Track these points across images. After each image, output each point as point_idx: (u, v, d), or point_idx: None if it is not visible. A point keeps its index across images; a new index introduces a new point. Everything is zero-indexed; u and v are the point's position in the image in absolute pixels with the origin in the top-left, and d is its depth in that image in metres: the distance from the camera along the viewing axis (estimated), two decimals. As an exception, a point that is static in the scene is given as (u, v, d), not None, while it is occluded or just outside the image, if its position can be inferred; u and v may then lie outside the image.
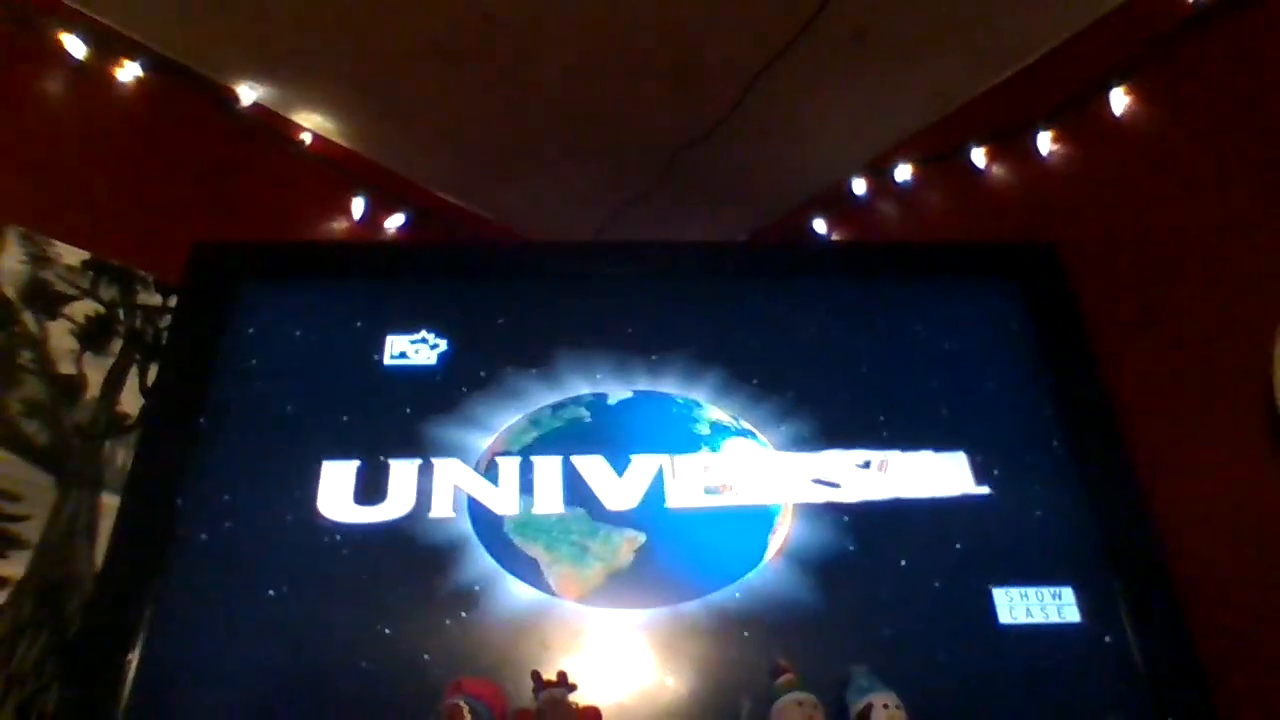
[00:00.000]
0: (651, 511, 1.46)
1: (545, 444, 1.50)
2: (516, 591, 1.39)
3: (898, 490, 1.52)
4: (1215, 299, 1.57)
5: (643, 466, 1.50)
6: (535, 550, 1.39)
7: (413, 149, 2.30)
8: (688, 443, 1.54)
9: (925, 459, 1.55)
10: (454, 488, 1.47)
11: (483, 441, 1.51)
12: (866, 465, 1.52)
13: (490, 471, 1.48)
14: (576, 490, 1.47)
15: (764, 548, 1.44)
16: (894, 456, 1.54)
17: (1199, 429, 1.55)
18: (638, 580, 1.39)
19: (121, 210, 1.80)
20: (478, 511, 1.45)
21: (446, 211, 2.44)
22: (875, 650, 1.36)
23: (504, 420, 1.53)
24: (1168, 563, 1.46)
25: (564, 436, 1.50)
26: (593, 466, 1.49)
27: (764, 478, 1.51)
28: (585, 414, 1.52)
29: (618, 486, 1.48)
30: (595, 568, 1.38)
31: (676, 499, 1.48)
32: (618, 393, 1.57)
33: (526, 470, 1.48)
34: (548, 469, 1.48)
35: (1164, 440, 1.58)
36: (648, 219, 2.47)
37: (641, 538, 1.42)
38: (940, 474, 1.54)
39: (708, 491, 1.46)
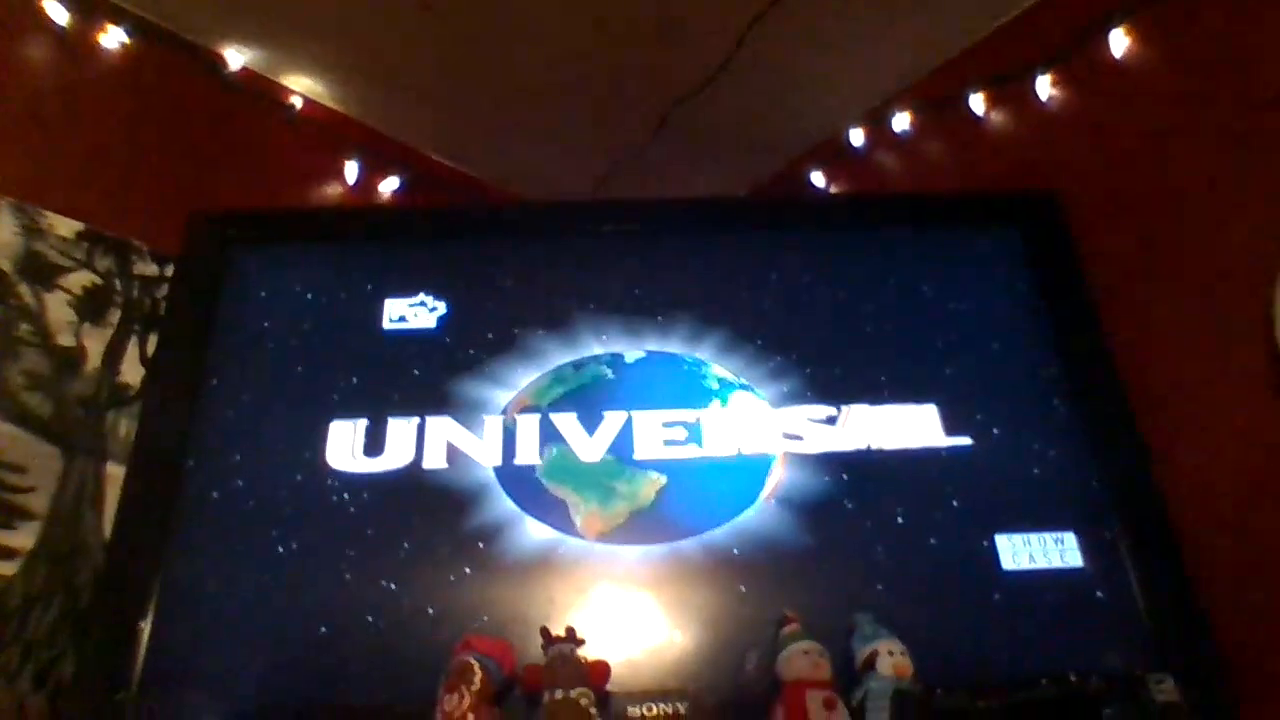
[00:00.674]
0: (672, 457, 1.50)
1: (571, 399, 1.55)
2: (524, 547, 1.41)
3: (900, 440, 1.53)
4: (1217, 243, 1.56)
5: (658, 419, 1.54)
6: (564, 492, 1.45)
7: (405, 111, 2.27)
8: (702, 397, 1.56)
9: (926, 409, 1.55)
10: (471, 441, 1.51)
11: (496, 397, 1.54)
12: (831, 421, 1.54)
13: (516, 425, 1.52)
14: (605, 439, 1.51)
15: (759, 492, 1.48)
16: (894, 408, 1.55)
17: (1200, 374, 1.55)
18: (655, 519, 1.44)
19: (113, 180, 1.78)
20: (504, 458, 1.49)
21: (441, 173, 2.42)
22: (879, 597, 1.38)
23: (510, 378, 1.56)
24: (1169, 508, 1.47)
25: (589, 392, 1.55)
26: (616, 420, 1.53)
27: (754, 430, 1.53)
28: (607, 371, 1.57)
29: (639, 438, 1.52)
30: (619, 507, 1.44)
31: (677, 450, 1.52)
32: (630, 351, 1.60)
33: (551, 424, 1.52)
34: (570, 422, 1.53)
35: (1165, 386, 1.58)
36: (644, 175, 2.45)
37: (663, 479, 1.47)
38: (942, 423, 1.54)
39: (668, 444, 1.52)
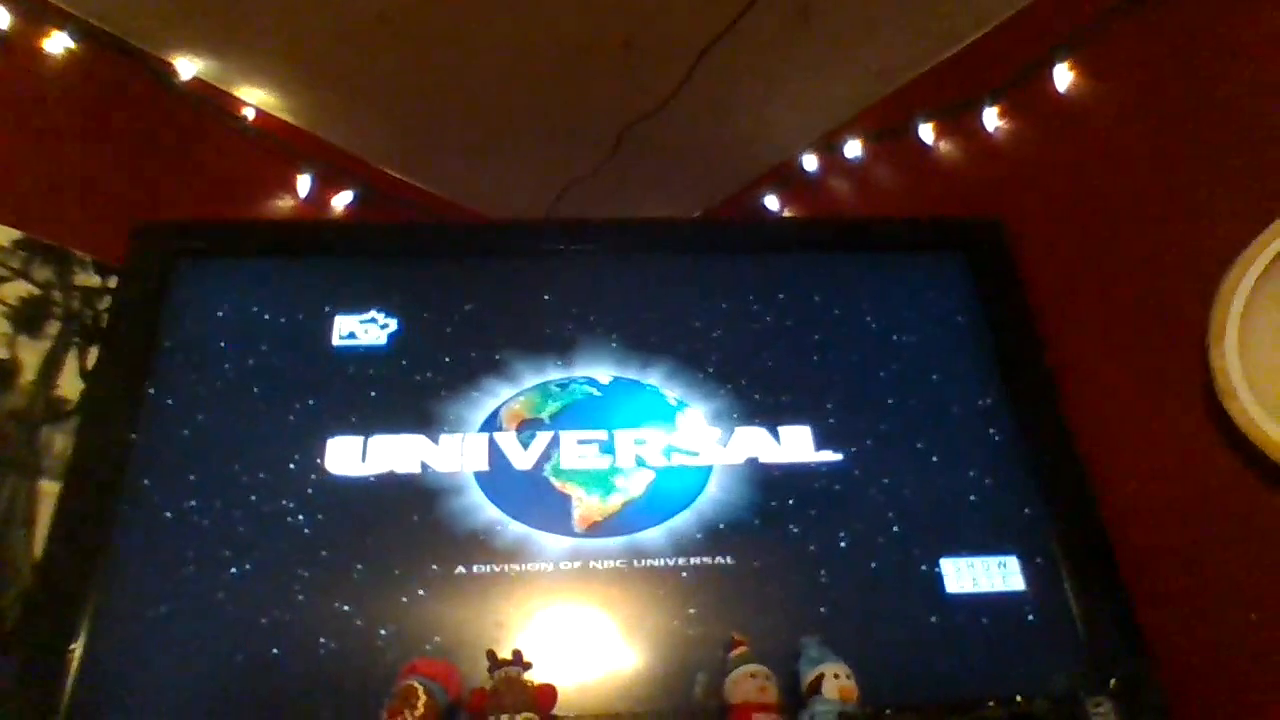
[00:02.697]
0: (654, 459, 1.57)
1: (568, 413, 1.59)
2: (474, 570, 1.41)
3: (845, 462, 1.55)
4: (1156, 272, 1.60)
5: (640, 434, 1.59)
6: (571, 488, 1.52)
7: (360, 125, 2.25)
8: (665, 415, 1.60)
9: (873, 431, 1.57)
10: (436, 453, 1.52)
11: (454, 413, 1.56)
12: (777, 439, 1.57)
13: (517, 436, 1.56)
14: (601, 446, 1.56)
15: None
16: (840, 429, 1.57)
17: (1140, 400, 1.59)
18: (641, 509, 1.51)
19: (55, 188, 1.73)
20: (494, 464, 1.52)
21: (395, 188, 2.39)
22: (824, 619, 1.39)
23: (466, 395, 1.57)
24: (1109, 531, 1.50)
25: (580, 408, 1.61)
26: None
27: (701, 446, 1.58)
28: (591, 389, 1.62)
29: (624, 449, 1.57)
30: (616, 499, 1.52)
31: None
32: (599, 372, 1.63)
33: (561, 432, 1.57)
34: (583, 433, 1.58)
35: (1106, 410, 1.62)
36: (598, 196, 2.45)
37: (652, 474, 1.54)
38: (887, 445, 1.56)
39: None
